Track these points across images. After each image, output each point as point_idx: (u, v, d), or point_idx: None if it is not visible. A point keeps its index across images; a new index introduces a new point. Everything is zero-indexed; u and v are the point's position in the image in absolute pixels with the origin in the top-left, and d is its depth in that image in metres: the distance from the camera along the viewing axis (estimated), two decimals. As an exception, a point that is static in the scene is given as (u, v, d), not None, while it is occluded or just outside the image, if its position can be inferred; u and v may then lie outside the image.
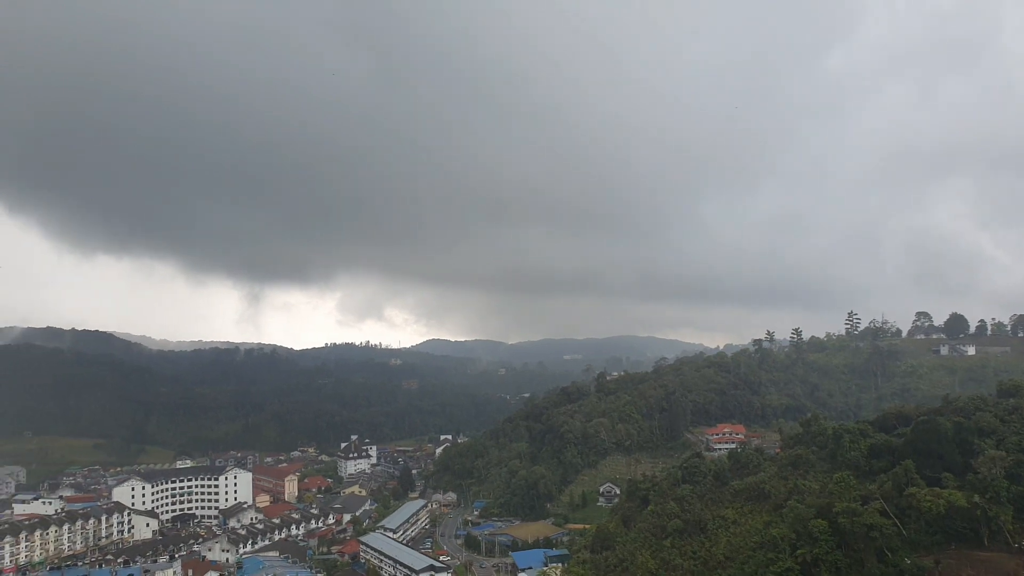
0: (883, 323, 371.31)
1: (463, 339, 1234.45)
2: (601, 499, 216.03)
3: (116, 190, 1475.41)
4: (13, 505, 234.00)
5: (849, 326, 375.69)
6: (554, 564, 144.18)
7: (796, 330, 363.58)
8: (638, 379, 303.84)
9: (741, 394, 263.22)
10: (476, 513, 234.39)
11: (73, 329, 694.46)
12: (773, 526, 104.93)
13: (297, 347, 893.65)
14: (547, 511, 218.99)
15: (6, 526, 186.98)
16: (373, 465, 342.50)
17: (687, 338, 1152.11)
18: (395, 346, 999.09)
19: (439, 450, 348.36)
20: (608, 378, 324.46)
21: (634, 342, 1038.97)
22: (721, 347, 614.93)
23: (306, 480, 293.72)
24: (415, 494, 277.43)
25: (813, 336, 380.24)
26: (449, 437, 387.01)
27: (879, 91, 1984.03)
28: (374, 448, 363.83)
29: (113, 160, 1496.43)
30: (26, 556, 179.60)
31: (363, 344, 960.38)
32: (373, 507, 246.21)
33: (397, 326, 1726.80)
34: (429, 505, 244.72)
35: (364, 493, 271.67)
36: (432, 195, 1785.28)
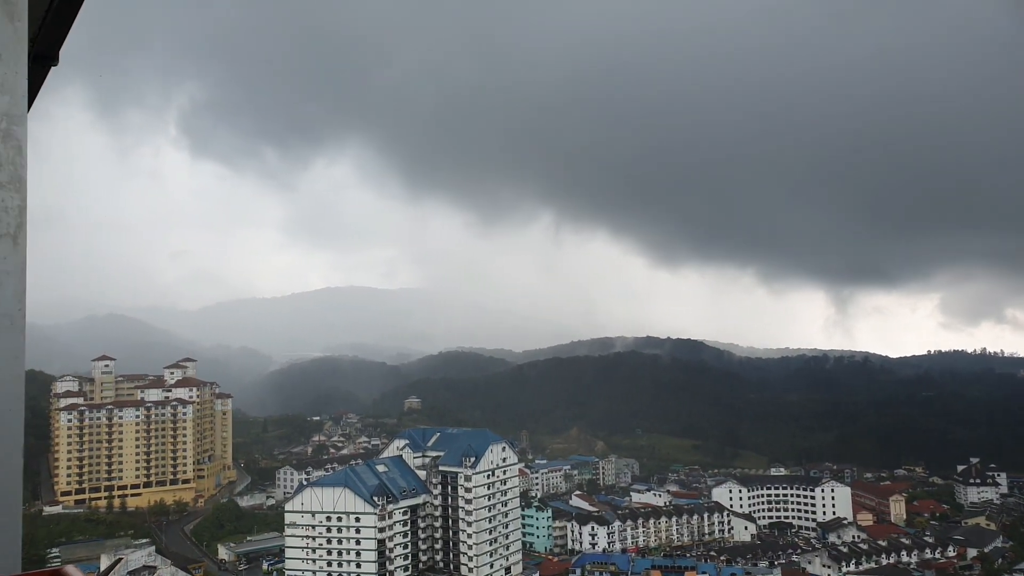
0: None
1: None
2: None
3: (696, 203, 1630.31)
4: (631, 493, 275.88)
5: None
6: None
7: None
8: None
9: None
10: None
11: (669, 338, 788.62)
12: None
13: (892, 355, 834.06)
14: None
15: (628, 511, 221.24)
16: (1003, 495, 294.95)
17: None
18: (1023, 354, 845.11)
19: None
20: None
21: None
22: None
23: (915, 503, 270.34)
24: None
25: None
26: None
27: None
28: (1003, 475, 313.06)
29: (691, 174, 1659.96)
30: (643, 540, 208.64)
31: (977, 352, 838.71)
32: (1007, 545, 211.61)
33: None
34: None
35: (993, 527, 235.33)
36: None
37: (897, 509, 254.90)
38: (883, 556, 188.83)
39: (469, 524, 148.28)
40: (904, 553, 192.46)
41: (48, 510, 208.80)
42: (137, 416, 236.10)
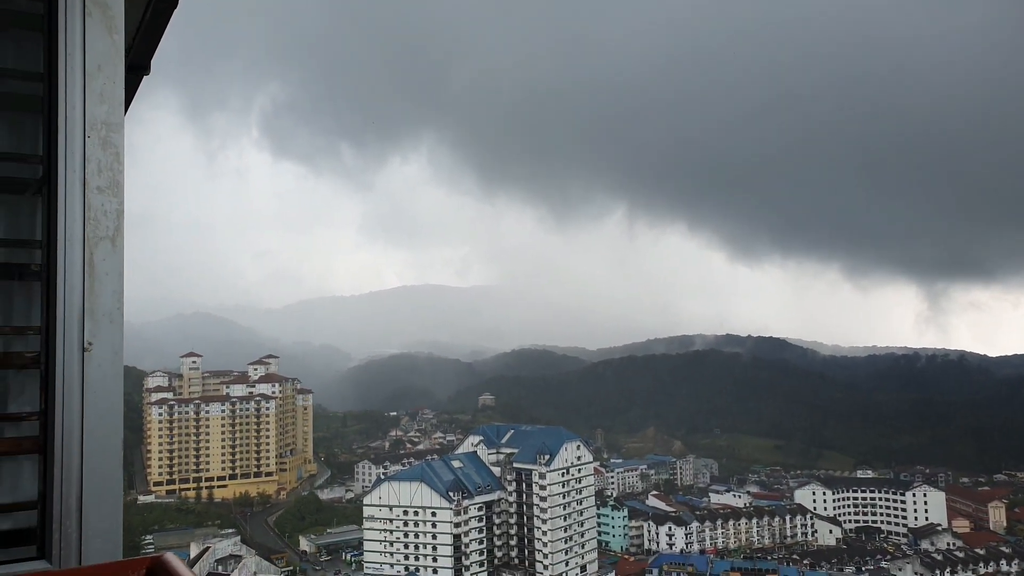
0: None
1: None
2: None
3: (776, 193, 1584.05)
4: (709, 494, 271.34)
5: None
6: None
7: None
8: None
9: None
10: None
11: (749, 336, 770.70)
12: None
13: (992, 353, 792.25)
14: None
15: (706, 512, 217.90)
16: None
17: None
18: None
19: None
20: None
21: None
22: None
23: (1016, 510, 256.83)
24: None
25: None
26: None
27: None
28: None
29: (771, 163, 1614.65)
30: (722, 542, 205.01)
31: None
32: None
33: None
34: None
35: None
36: None
37: (996, 516, 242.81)
38: (981, 565, 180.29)
39: (544, 521, 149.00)
40: (1004, 562, 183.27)
41: (142, 499, 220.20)
42: (223, 411, 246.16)
